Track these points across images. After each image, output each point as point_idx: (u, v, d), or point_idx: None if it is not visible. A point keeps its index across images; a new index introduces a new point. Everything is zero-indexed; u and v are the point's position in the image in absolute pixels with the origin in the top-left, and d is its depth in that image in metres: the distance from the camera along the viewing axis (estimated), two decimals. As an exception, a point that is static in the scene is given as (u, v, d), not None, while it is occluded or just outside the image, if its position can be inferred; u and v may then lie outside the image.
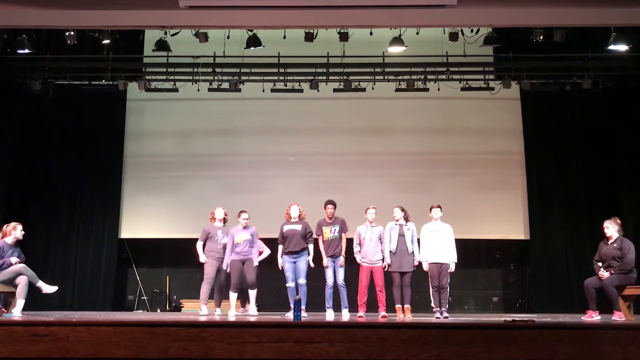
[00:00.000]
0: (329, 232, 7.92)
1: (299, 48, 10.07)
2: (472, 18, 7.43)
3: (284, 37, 9.74)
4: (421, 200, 9.41)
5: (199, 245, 8.36)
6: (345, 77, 10.61)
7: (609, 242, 7.26)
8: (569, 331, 4.05)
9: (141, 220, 11.34)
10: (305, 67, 10.63)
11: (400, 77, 10.70)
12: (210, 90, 10.80)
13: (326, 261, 7.87)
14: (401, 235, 7.81)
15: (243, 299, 8.66)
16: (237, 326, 4.14)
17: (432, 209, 7.89)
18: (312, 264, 8.05)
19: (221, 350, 3.93)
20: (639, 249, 7.31)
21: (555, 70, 10.68)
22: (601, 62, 10.43)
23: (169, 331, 3.99)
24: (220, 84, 10.81)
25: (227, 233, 8.26)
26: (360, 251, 7.92)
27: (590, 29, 9.84)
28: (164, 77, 10.79)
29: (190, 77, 10.68)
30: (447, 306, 7.72)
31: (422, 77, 10.64)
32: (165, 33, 9.89)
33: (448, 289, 7.76)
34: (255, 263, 8.20)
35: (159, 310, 10.87)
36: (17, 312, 7.18)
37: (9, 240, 7.59)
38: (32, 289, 7.48)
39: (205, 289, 8.18)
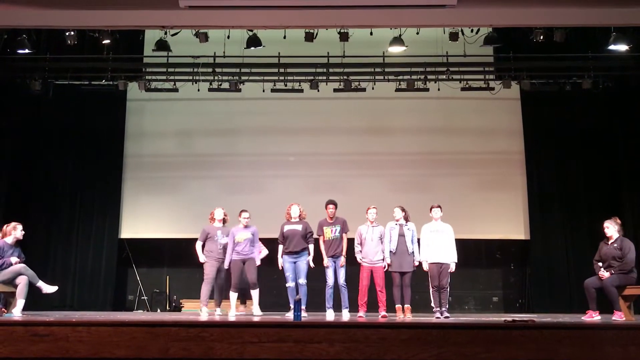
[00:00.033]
0: (330, 232, 7.92)
1: (299, 48, 10.07)
2: (472, 18, 7.43)
3: (284, 37, 9.74)
4: (421, 200, 9.42)
5: (198, 245, 8.34)
6: (345, 77, 10.61)
7: (609, 242, 7.26)
8: (569, 331, 4.05)
9: (141, 220, 11.34)
10: (306, 67, 10.63)
11: (400, 77, 10.70)
12: (210, 90, 10.80)
13: (327, 261, 7.87)
14: (401, 235, 7.81)
15: (242, 298, 8.66)
16: (237, 326, 4.14)
17: (432, 209, 7.89)
18: (312, 264, 8.05)
19: (221, 350, 3.93)
20: (639, 249, 7.30)
21: (555, 70, 10.68)
22: (601, 62, 10.43)
23: (169, 331, 3.99)
24: (221, 84, 10.81)
25: (226, 233, 8.25)
26: (361, 251, 7.93)
27: (590, 29, 9.84)
28: (164, 77, 10.79)
29: (191, 77, 10.68)
30: (447, 306, 7.72)
31: (422, 77, 10.64)
32: (166, 33, 9.89)
33: (448, 289, 7.76)
34: (258, 262, 8.20)
35: (159, 310, 10.87)
36: (17, 312, 7.18)
37: (9, 240, 7.59)
38: (32, 289, 7.48)
39: (205, 290, 8.15)
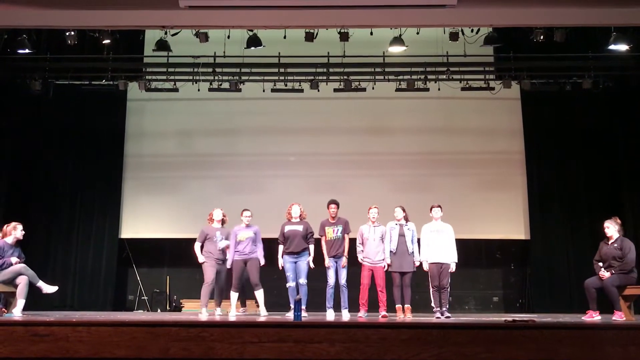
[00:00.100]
0: (332, 232, 7.91)
1: (299, 48, 10.07)
2: (472, 18, 7.43)
3: (284, 37, 9.74)
4: (421, 200, 9.41)
5: (197, 246, 8.31)
6: (345, 77, 10.61)
7: (610, 242, 7.26)
8: (569, 331, 4.05)
9: (141, 220, 11.34)
10: (306, 67, 10.63)
11: (400, 77, 10.70)
12: (210, 90, 10.80)
13: (328, 261, 7.87)
14: (401, 235, 7.81)
15: (242, 299, 8.65)
16: (238, 326, 4.14)
17: (433, 209, 7.89)
18: (312, 265, 8.04)
19: (221, 350, 3.93)
20: (639, 249, 7.30)
21: (555, 70, 10.68)
22: (601, 62, 10.44)
23: (169, 331, 3.99)
24: (221, 84, 10.81)
25: (225, 234, 8.24)
26: (363, 251, 7.92)
27: (591, 29, 9.84)
28: (164, 77, 10.79)
29: (191, 77, 10.68)
30: (447, 306, 7.72)
31: (422, 77, 10.65)
32: (166, 33, 9.89)
33: (448, 289, 7.76)
34: (262, 261, 8.17)
35: (159, 310, 10.87)
36: (17, 312, 7.18)
37: (9, 240, 7.60)
38: (32, 289, 7.48)
39: (205, 292, 8.10)
